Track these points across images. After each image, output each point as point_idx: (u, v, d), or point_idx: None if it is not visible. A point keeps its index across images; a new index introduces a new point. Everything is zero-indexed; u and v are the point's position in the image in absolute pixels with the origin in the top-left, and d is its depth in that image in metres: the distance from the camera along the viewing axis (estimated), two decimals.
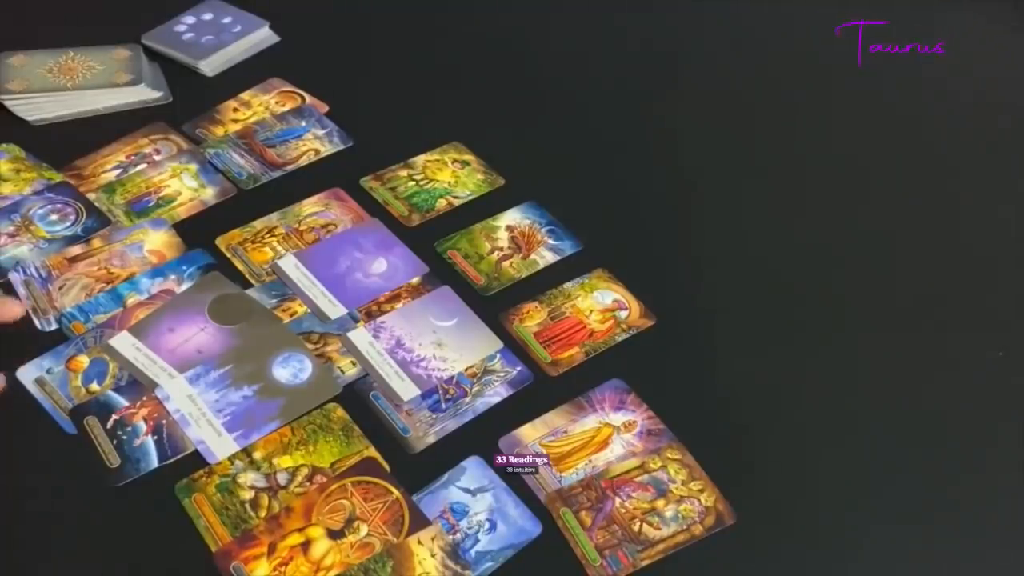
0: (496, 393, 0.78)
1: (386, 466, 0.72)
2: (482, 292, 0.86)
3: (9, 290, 0.83)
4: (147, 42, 1.10)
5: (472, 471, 0.73)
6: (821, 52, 1.19)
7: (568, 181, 0.99)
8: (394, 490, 0.71)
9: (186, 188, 0.94)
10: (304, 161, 0.98)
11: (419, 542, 0.68)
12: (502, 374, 0.80)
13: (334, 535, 0.68)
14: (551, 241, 0.91)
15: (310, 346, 0.80)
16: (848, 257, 0.93)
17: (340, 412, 0.76)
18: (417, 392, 0.78)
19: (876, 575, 0.70)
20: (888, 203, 0.99)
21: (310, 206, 0.93)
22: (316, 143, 1.00)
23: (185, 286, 0.84)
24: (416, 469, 0.72)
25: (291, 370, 0.78)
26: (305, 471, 0.72)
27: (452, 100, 1.09)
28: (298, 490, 0.71)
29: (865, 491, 0.74)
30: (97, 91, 1.02)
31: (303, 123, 1.02)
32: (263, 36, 1.13)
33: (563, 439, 0.75)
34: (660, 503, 0.72)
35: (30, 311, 0.82)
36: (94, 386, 0.76)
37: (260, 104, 1.05)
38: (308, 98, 1.06)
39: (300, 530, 0.69)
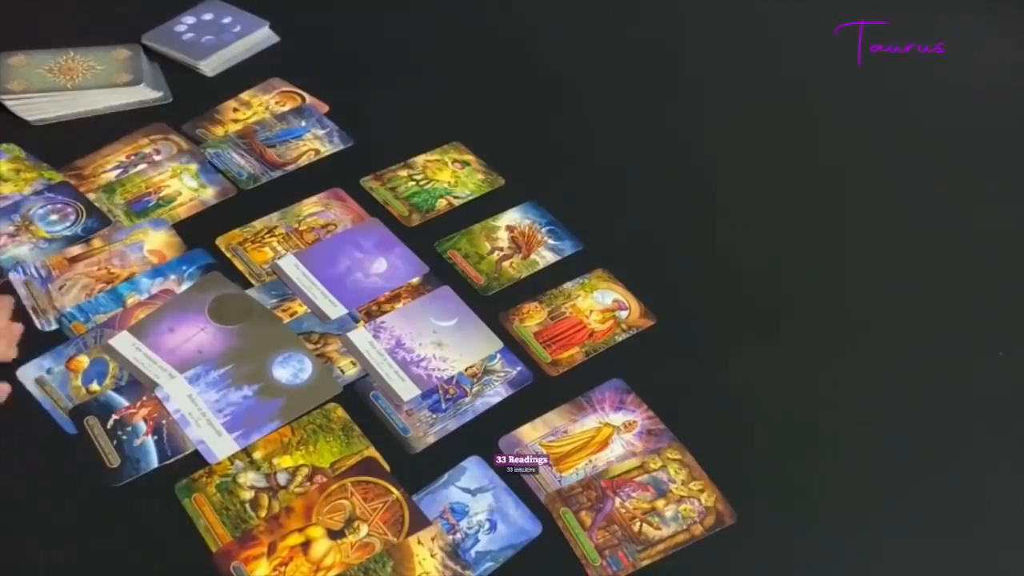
0: (496, 393, 0.78)
1: (386, 466, 0.72)
2: (482, 292, 0.86)
3: (8, 289, 0.83)
4: (147, 42, 1.10)
5: (472, 471, 0.73)
6: (821, 52, 1.19)
7: (568, 181, 0.99)
8: (394, 490, 0.71)
9: (186, 188, 0.94)
10: (304, 161, 0.98)
11: (419, 542, 0.68)
12: (502, 374, 0.80)
13: (334, 535, 0.68)
14: (551, 241, 0.91)
15: (310, 346, 0.80)
16: (849, 257, 0.93)
17: (340, 412, 0.76)
18: (417, 392, 0.78)
19: (875, 574, 0.70)
20: (888, 203, 0.99)
21: (310, 206, 0.93)
22: (316, 143, 1.00)
23: (185, 286, 0.84)
24: (416, 469, 0.72)
25: (291, 370, 0.78)
26: (305, 471, 0.72)
27: (452, 100, 1.09)
28: (298, 490, 0.71)
29: (865, 490, 0.74)
30: (97, 91, 1.02)
31: (303, 123, 1.02)
32: (263, 36, 1.13)
33: (563, 439, 0.75)
34: (660, 503, 0.72)
35: (30, 311, 0.82)
36: (94, 386, 0.76)
37: (260, 104, 1.05)
38: (308, 98, 1.06)
39: (300, 530, 0.68)
